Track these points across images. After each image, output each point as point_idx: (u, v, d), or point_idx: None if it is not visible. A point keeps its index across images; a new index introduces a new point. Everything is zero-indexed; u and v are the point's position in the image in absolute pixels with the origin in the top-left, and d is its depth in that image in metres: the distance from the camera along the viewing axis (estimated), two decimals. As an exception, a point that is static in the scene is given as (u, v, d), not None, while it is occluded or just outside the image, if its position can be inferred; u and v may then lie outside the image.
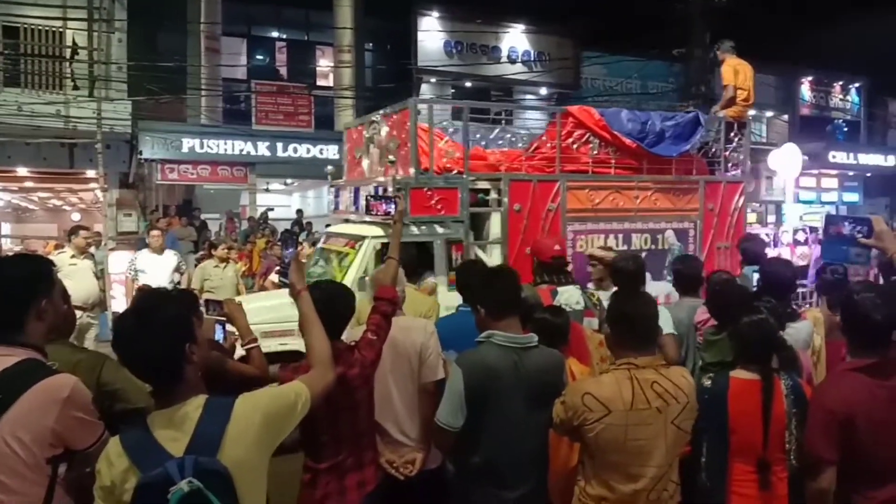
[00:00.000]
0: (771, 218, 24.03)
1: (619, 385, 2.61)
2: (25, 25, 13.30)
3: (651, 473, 2.60)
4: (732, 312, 3.26)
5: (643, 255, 5.83)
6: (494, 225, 6.05)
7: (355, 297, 3.11)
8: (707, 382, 3.12)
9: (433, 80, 19.40)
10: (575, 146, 6.31)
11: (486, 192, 6.10)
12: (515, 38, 20.09)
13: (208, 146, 15.29)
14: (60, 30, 13.55)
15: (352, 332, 3.16)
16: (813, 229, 9.40)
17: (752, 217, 23.84)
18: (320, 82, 19.01)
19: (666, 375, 2.66)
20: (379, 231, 5.87)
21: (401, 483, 3.11)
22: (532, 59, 20.05)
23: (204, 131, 15.48)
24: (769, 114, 25.18)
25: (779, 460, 2.94)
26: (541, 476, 2.88)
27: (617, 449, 2.59)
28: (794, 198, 24.17)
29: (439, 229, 5.85)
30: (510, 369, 2.76)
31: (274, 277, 7.91)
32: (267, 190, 19.38)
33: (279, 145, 15.82)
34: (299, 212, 18.00)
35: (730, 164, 7.01)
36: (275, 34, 19.25)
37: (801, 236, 9.23)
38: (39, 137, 12.87)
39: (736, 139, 7.06)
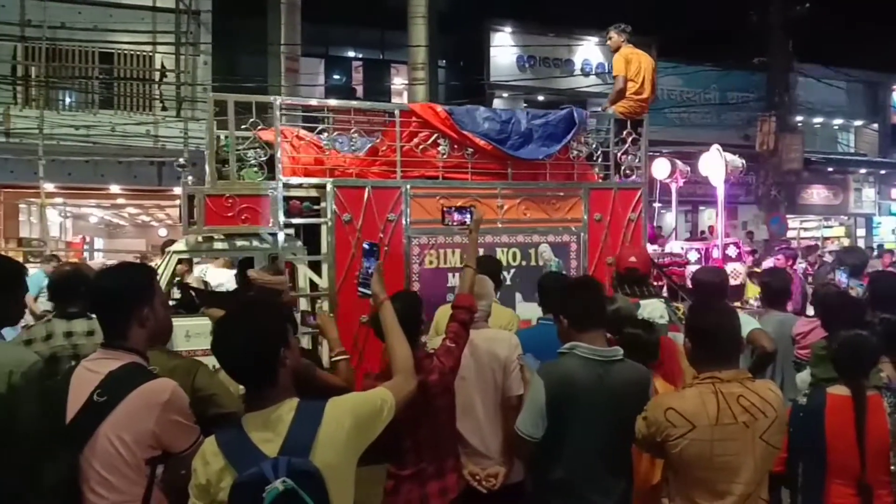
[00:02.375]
0: (860, 231, 23.07)
1: (702, 399, 2.54)
2: (119, 51, 14.07)
3: (739, 490, 2.52)
4: (844, 325, 3.12)
5: (511, 272, 5.28)
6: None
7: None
8: (802, 400, 3.01)
9: (505, 94, 19.44)
10: (420, 148, 5.45)
11: (318, 200, 5.32)
12: (589, 51, 19.92)
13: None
14: (150, 54, 14.25)
15: (431, 343, 3.20)
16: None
17: (839, 231, 22.92)
18: (394, 100, 19.33)
19: (752, 389, 2.58)
20: (181, 245, 5.37)
21: (483, 494, 3.12)
22: (606, 70, 19.82)
23: (283, 149, 15.88)
24: (857, 123, 24.12)
25: (882, 483, 2.80)
26: (625, 493, 2.82)
27: (703, 465, 2.52)
28: (885, 210, 23.12)
29: (258, 243, 5.16)
30: (594, 382, 2.73)
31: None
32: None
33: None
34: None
35: (624, 169, 6.08)
36: (351, 54, 19.72)
37: (732, 251, 8.11)
38: (130, 156, 13.54)
39: (630, 139, 6.13)
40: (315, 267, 5.34)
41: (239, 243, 5.26)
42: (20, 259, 10.69)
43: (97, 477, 2.13)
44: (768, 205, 17.91)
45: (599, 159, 6.12)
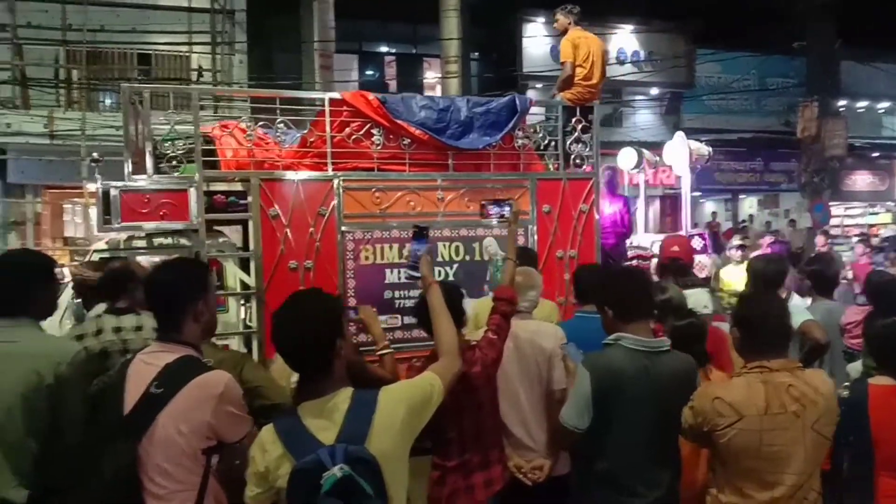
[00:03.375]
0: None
1: (750, 389, 2.51)
2: (156, 52, 14.31)
3: (790, 481, 2.48)
4: None
5: (453, 267, 5.00)
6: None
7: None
8: (844, 392, 2.94)
9: (539, 85, 19.30)
10: (352, 139, 5.10)
11: (244, 194, 5.02)
12: (624, 39, 19.68)
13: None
14: (187, 54, 14.46)
15: (469, 335, 3.20)
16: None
17: (885, 217, 22.32)
18: (427, 94, 19.36)
19: (803, 378, 2.54)
20: (101, 245, 5.23)
21: (528, 487, 3.11)
22: (642, 59, 19.57)
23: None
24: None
25: None
26: (671, 484, 2.79)
27: (751, 455, 2.49)
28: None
29: (185, 241, 4.83)
30: (640, 374, 2.70)
31: None
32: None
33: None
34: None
35: (574, 158, 5.70)
36: (384, 49, 19.78)
37: (697, 243, 7.69)
38: (170, 155, 13.75)
39: (579, 128, 5.69)
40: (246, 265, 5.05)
41: (161, 241, 5.00)
42: (66, 259, 10.98)
43: (155, 466, 2.19)
44: (811, 192, 17.51)
45: (548, 149, 5.77)
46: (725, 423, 2.48)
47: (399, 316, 4.73)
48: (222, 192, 4.90)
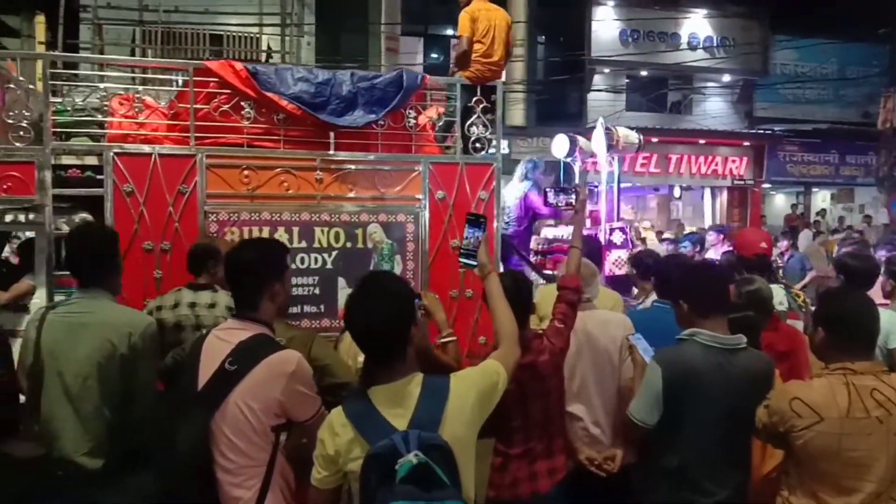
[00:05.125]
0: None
1: (832, 391, 2.42)
2: (227, 33, 14.58)
3: (869, 489, 2.38)
4: None
5: (333, 255, 4.67)
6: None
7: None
8: None
9: (607, 70, 18.95)
10: (218, 112, 4.73)
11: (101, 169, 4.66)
12: (696, 24, 19.09)
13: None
14: (257, 35, 14.69)
15: (536, 326, 3.18)
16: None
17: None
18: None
19: (889, 383, 2.43)
20: None
21: (591, 476, 3.08)
22: (715, 44, 18.96)
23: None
24: None
25: None
26: (740, 484, 2.73)
27: (829, 459, 2.40)
28: None
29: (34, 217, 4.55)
30: (715, 371, 2.64)
31: None
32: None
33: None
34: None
35: (473, 141, 5.23)
36: (450, 31, 19.68)
37: (617, 237, 7.29)
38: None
39: (479, 108, 5.21)
40: None
41: (8, 217, 4.75)
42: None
43: (227, 441, 2.24)
44: (889, 187, 16.74)
45: (445, 130, 5.41)
46: (803, 424, 2.40)
47: None
48: (78, 167, 4.66)
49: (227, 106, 4.68)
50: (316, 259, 4.66)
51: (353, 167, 4.86)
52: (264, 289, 2.41)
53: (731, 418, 2.65)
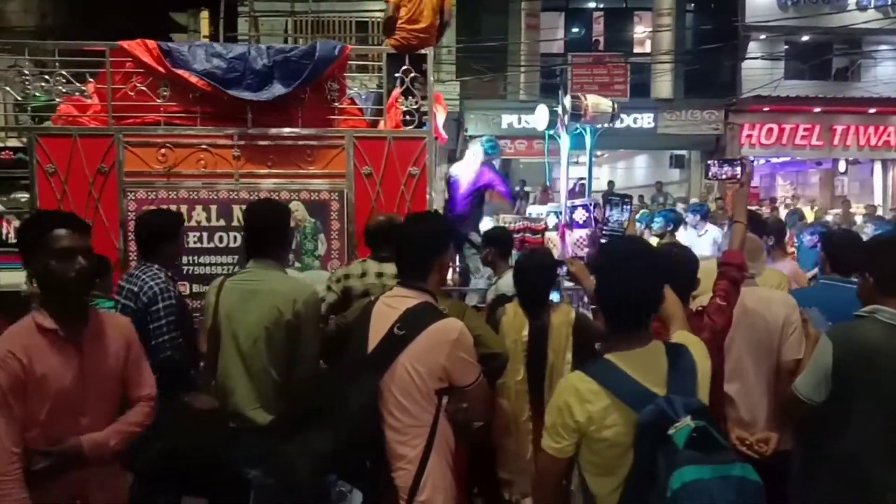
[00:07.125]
0: None
1: None
2: (371, 19, 15.03)
3: None
4: None
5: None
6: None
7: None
8: None
9: (763, 37, 17.70)
10: (134, 91, 4.75)
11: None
12: (867, -19, 17.44)
13: (525, 121, 15.89)
14: (400, 20, 15.05)
15: (694, 302, 3.06)
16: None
17: None
18: (637, 50, 18.53)
19: None
20: None
21: (743, 458, 2.94)
22: (890, 3, 17.21)
23: (521, 107, 16.16)
24: None
25: None
26: None
27: None
28: None
29: None
30: (895, 352, 2.43)
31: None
32: (576, 162, 19.55)
33: (592, 116, 15.87)
34: (611, 183, 17.91)
35: (404, 113, 4.96)
36: (592, 5, 19.19)
37: (580, 215, 6.17)
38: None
39: (408, 79, 4.92)
40: None
41: None
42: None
43: (395, 401, 2.39)
44: None
45: (377, 104, 5.11)
46: None
47: (188, 284, 4.54)
48: (11, 149, 4.89)
49: (143, 85, 4.80)
50: (235, 238, 4.68)
51: (269, 143, 4.82)
52: (434, 260, 2.57)
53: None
